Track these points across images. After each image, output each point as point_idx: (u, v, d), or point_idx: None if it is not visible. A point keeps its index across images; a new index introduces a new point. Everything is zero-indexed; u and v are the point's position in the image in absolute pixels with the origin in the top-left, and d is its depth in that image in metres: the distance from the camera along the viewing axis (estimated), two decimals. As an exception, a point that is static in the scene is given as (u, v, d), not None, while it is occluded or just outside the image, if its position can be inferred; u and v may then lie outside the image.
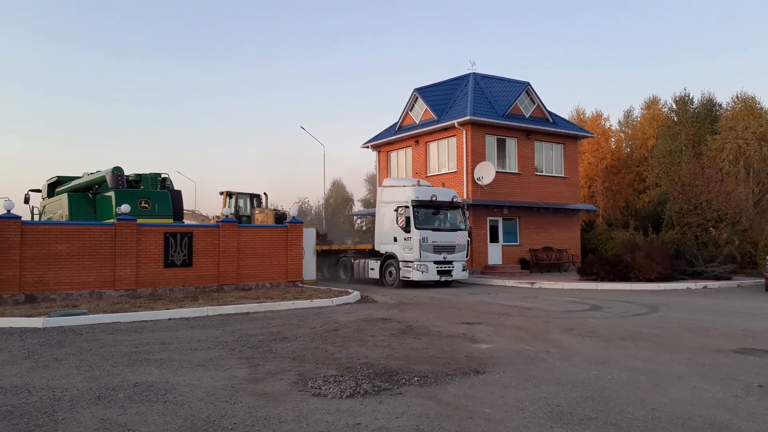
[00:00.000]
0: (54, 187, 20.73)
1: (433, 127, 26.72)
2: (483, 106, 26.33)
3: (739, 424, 4.86)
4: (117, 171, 17.85)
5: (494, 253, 25.88)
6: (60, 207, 19.25)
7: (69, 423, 4.95)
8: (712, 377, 6.52)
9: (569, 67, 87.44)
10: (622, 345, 8.52)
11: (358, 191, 57.03)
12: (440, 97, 28.10)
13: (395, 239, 19.91)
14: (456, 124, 25.37)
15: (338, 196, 55.01)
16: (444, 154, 26.96)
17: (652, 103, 44.28)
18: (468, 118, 24.79)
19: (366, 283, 21.04)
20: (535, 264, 26.10)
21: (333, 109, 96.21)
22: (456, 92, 28.20)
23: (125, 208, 15.24)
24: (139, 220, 15.67)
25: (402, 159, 29.55)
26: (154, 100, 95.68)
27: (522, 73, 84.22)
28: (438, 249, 19.39)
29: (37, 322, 10.74)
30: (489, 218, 25.86)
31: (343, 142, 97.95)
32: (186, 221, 22.77)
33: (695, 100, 40.46)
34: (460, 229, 20.20)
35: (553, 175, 28.21)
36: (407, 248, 19.38)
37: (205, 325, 10.76)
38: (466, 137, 25.33)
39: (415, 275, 19.10)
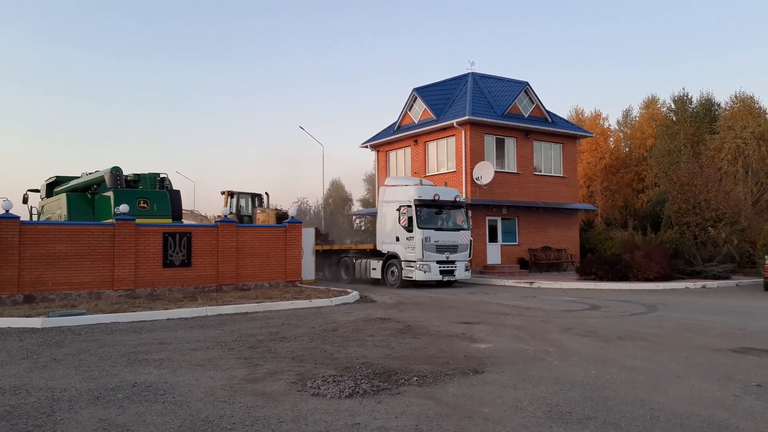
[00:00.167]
0: (53, 187, 20.70)
1: (432, 126, 26.73)
2: (482, 105, 26.32)
3: (737, 424, 4.87)
4: (115, 171, 17.84)
5: (493, 253, 25.90)
6: (58, 207, 19.24)
7: (68, 423, 4.94)
8: (711, 376, 6.53)
9: (568, 67, 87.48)
10: (621, 344, 8.53)
11: (357, 191, 57.09)
12: (439, 96, 28.09)
13: (397, 239, 19.90)
14: (455, 124, 25.37)
15: (337, 196, 54.96)
16: (443, 154, 26.96)
17: (650, 103, 44.30)
18: (467, 117, 24.80)
19: (367, 283, 21.03)
20: (533, 264, 26.12)
21: (332, 109, 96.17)
22: (455, 92, 28.19)
23: (124, 208, 15.23)
24: (137, 220, 15.67)
25: (401, 159, 29.53)
26: (154, 100, 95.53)
27: (521, 73, 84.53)
28: (440, 249, 19.36)
29: (35, 322, 10.73)
30: (488, 218, 25.87)
31: (343, 142, 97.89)
32: (185, 221, 22.78)
33: (694, 100, 40.48)
34: (463, 229, 20.20)
35: (552, 174, 28.20)
36: (410, 248, 19.35)
37: (203, 325, 10.75)
38: (465, 137, 25.33)
39: (418, 275, 19.07)
